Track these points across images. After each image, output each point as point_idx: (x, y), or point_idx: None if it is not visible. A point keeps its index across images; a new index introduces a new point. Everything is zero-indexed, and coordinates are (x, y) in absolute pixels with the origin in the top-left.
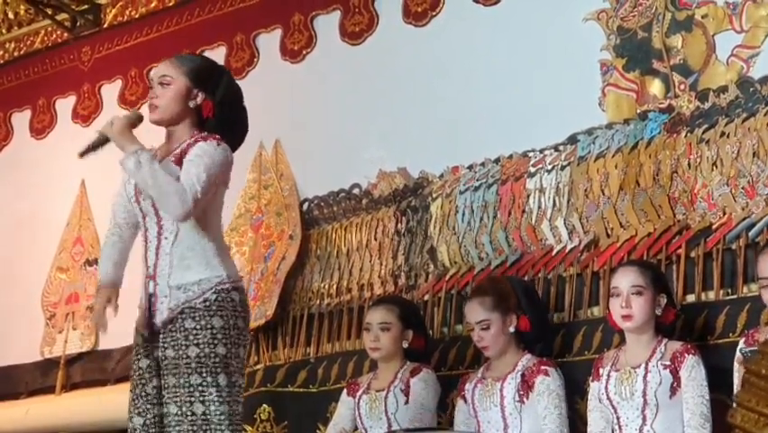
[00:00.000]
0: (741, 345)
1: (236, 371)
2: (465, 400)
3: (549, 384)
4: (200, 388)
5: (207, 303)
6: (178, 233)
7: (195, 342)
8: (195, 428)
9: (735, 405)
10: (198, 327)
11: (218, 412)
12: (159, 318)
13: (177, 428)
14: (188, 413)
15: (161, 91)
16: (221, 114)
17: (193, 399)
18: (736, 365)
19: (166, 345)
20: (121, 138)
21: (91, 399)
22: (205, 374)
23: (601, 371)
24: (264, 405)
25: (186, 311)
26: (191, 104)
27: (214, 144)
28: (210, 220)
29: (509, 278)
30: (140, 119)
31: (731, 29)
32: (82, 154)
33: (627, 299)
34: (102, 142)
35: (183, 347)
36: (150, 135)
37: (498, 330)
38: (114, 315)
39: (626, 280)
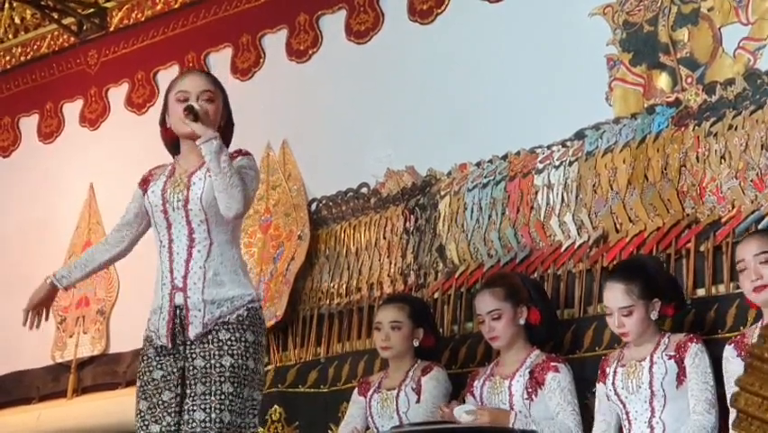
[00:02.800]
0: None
1: (258, 385)
2: (474, 397)
3: (560, 381)
4: (230, 397)
5: (240, 318)
6: (211, 246)
7: (230, 352)
8: None
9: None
10: (234, 338)
11: (243, 424)
12: (192, 332)
13: None
14: (217, 420)
15: (207, 105)
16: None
17: (223, 407)
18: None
19: (195, 356)
20: (207, 120)
21: (102, 402)
22: (236, 385)
23: (608, 370)
24: (275, 405)
25: (220, 325)
26: (221, 122)
27: (251, 160)
28: (237, 238)
29: (518, 274)
30: (197, 116)
31: (737, 21)
32: (187, 112)
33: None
34: (198, 116)
35: (216, 357)
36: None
37: (509, 321)
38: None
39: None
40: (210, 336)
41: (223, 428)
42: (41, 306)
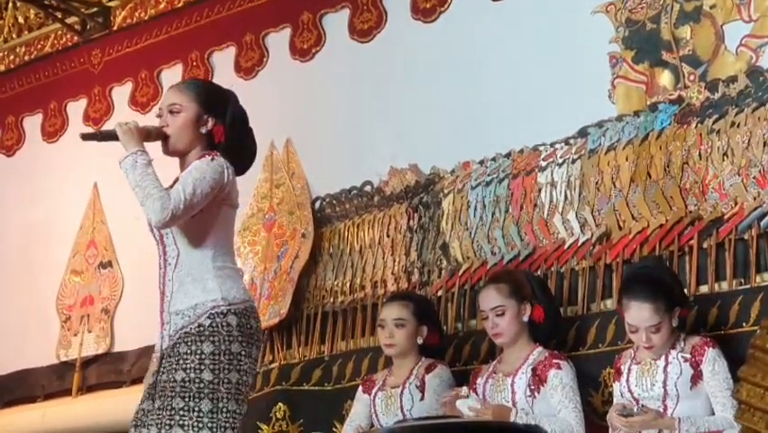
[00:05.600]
0: None
1: (225, 396)
2: (477, 394)
3: (562, 378)
4: (180, 412)
5: (201, 328)
6: (178, 257)
7: (183, 366)
8: None
9: (740, 380)
10: (189, 351)
11: None
12: (163, 345)
13: None
14: None
15: (172, 119)
16: (231, 137)
17: (172, 422)
18: None
19: (162, 371)
20: (127, 138)
21: (107, 401)
22: (187, 399)
23: (622, 368)
24: (280, 403)
25: (182, 336)
26: (202, 129)
27: (207, 160)
28: (213, 242)
29: (523, 271)
30: (160, 135)
31: (739, 19)
32: (84, 136)
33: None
34: (107, 135)
35: (173, 372)
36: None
37: (513, 317)
38: None
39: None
40: (174, 350)
41: None
42: None
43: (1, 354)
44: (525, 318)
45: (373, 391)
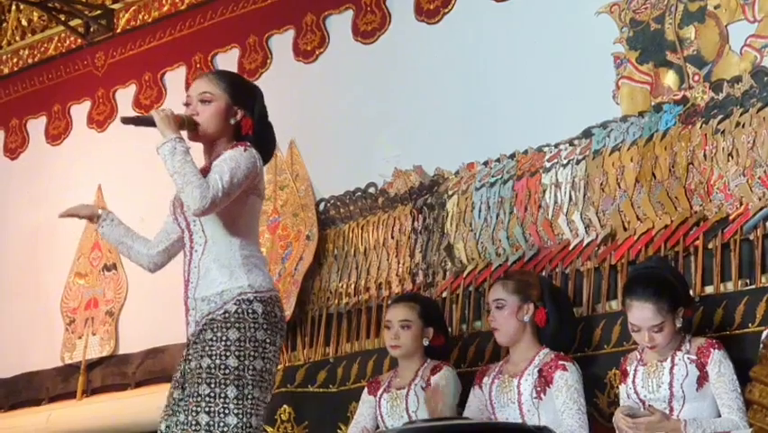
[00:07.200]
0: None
1: (251, 383)
2: (482, 390)
3: (567, 379)
4: (207, 398)
5: (227, 315)
6: (206, 244)
7: (209, 353)
8: None
9: (752, 380)
10: (215, 338)
11: (221, 424)
12: (189, 331)
13: None
14: (193, 423)
15: (202, 108)
16: (257, 130)
17: (199, 409)
18: None
19: (190, 358)
20: (164, 124)
21: (112, 403)
22: (213, 385)
23: (628, 369)
24: (284, 406)
25: (207, 323)
26: (231, 120)
27: (240, 150)
28: (241, 230)
29: (539, 274)
30: (191, 124)
31: (744, 19)
32: (125, 120)
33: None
34: (146, 121)
35: (199, 358)
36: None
37: (511, 313)
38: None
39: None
40: (200, 336)
41: (200, 430)
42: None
43: (6, 357)
44: (526, 318)
45: (378, 392)
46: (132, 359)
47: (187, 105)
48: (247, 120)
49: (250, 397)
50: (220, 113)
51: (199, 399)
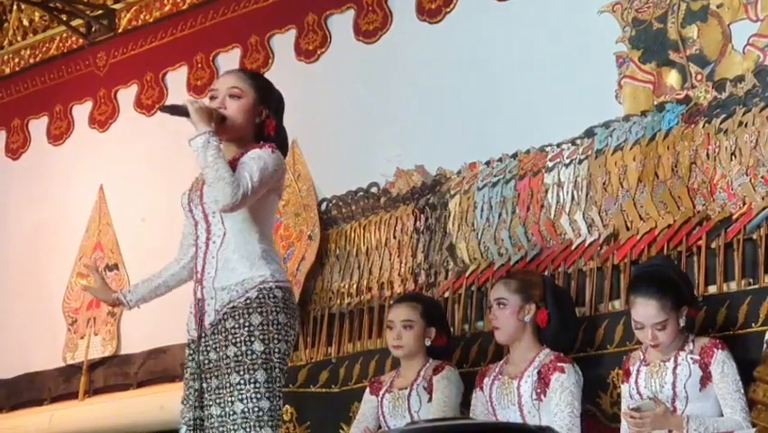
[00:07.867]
0: None
1: (278, 366)
2: (483, 392)
3: (563, 381)
4: (239, 386)
5: (248, 301)
6: (224, 236)
7: (233, 341)
8: (236, 427)
9: (756, 380)
10: (237, 325)
11: (256, 409)
12: (207, 321)
13: (220, 428)
14: (230, 413)
15: (230, 102)
16: (278, 132)
17: (233, 398)
18: None
19: (209, 349)
20: (198, 116)
21: (114, 404)
22: (242, 372)
23: (631, 369)
24: (286, 406)
25: (228, 312)
26: (257, 119)
27: (269, 151)
28: (259, 225)
29: (544, 275)
30: (219, 118)
31: (746, 18)
32: (162, 108)
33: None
34: (179, 111)
35: (223, 348)
36: None
37: (512, 313)
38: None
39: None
40: (220, 326)
41: (237, 418)
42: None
43: (8, 358)
44: (527, 319)
45: (381, 392)
46: (135, 359)
47: (212, 98)
48: (271, 121)
49: (278, 380)
50: (248, 109)
51: (231, 388)
